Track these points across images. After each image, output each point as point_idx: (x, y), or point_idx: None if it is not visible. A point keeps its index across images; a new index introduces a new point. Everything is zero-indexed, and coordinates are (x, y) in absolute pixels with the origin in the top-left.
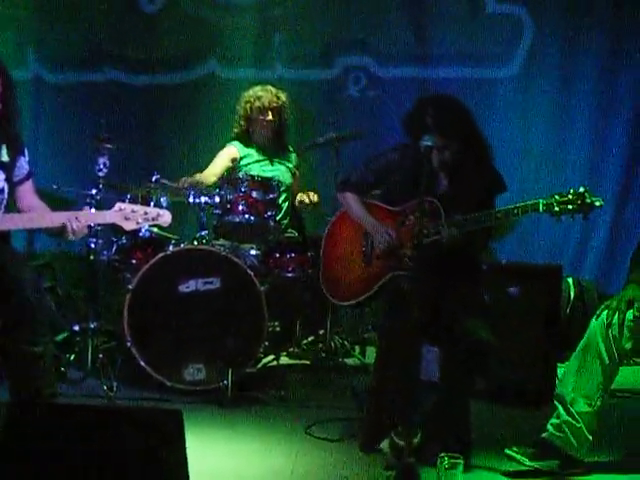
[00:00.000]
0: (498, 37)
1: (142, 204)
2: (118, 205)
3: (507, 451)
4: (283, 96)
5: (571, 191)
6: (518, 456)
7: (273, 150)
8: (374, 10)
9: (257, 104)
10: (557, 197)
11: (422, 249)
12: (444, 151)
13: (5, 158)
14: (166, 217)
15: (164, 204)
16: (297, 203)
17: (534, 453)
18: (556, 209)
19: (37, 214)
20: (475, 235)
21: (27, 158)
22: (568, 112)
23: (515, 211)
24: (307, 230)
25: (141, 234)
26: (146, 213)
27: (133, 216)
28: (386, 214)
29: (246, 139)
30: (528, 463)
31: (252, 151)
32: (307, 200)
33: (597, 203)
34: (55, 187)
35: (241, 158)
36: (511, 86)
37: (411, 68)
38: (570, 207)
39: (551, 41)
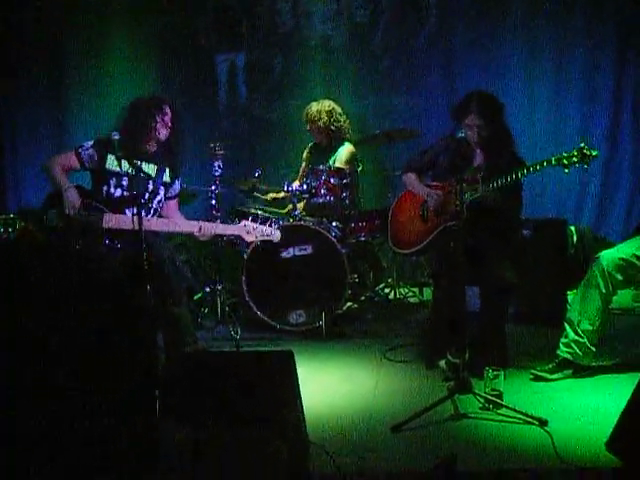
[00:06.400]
0: None
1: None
2: (244, 222)
3: (532, 371)
4: (316, 107)
5: (574, 149)
6: (541, 373)
7: (326, 148)
8: None
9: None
10: (565, 153)
11: (466, 206)
12: (482, 130)
13: (167, 179)
14: (277, 236)
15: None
16: None
17: (552, 368)
18: (565, 162)
19: (185, 221)
20: (509, 201)
21: (180, 180)
22: (562, 95)
23: (535, 167)
24: (374, 204)
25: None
26: (263, 231)
27: (253, 232)
28: (438, 187)
29: (316, 143)
30: (550, 377)
31: (313, 150)
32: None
33: (594, 153)
34: (185, 186)
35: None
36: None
37: None
38: (575, 159)
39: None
